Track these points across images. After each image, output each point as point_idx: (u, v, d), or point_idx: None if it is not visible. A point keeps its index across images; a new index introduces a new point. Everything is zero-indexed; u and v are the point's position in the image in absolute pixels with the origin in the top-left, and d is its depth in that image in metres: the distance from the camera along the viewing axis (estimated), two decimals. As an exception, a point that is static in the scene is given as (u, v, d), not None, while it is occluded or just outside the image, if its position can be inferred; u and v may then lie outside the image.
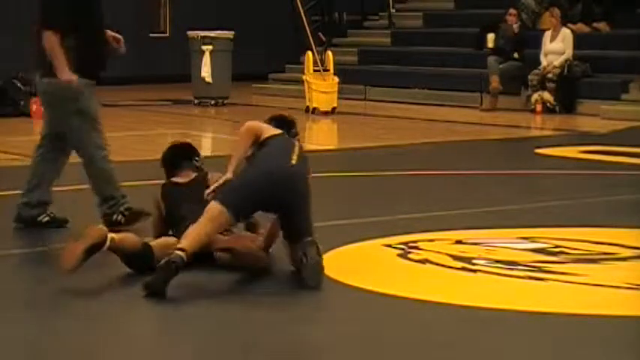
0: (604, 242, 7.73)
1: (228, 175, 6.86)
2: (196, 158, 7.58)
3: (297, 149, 6.87)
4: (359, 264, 7.22)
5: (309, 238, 6.60)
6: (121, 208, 8.23)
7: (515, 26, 17.98)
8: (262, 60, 21.65)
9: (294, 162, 6.78)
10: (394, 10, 22.48)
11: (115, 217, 8.19)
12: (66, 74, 7.93)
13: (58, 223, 8.29)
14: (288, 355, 5.51)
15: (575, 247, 7.62)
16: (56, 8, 8.11)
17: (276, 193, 6.64)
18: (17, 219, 8.30)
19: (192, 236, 6.47)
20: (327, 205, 7.59)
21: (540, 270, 7.01)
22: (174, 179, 7.41)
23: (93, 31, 8.20)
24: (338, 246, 7.46)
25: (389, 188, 9.34)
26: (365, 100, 19.18)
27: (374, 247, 7.52)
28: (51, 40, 7.95)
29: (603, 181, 10.87)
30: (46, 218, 8.31)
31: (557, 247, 7.61)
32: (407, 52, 20.67)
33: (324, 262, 6.67)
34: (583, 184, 10.80)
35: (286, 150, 6.84)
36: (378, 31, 22.40)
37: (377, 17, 22.93)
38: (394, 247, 7.62)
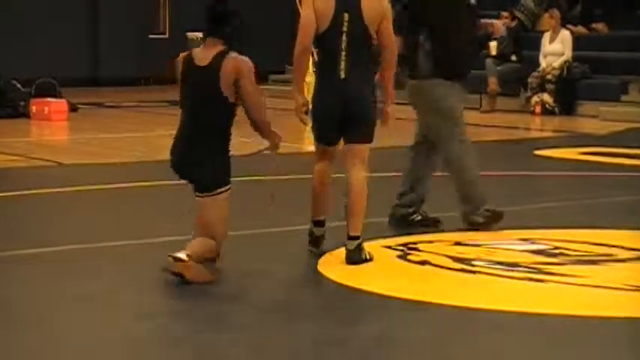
0: (603, 244, 7.74)
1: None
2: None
3: None
4: (359, 265, 7.20)
5: None
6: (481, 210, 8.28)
7: (512, 25, 17.97)
8: (262, 60, 21.55)
9: None
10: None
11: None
12: None
13: (430, 223, 8.43)
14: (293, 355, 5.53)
15: (574, 248, 7.63)
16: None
17: None
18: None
19: None
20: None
21: (540, 271, 7.02)
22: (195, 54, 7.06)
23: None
24: (339, 247, 7.43)
25: (388, 189, 9.28)
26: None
27: (373, 248, 7.49)
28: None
29: (603, 183, 10.90)
30: (418, 217, 8.43)
31: (556, 248, 7.63)
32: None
33: (325, 265, 6.67)
34: (582, 185, 10.82)
35: None
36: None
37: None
38: (394, 249, 7.63)
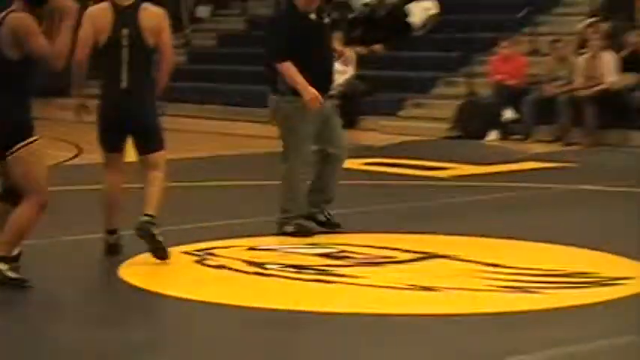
0: (385, 247, 7.89)
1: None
2: None
3: None
4: (158, 270, 7.21)
5: None
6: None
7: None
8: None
9: None
10: (190, 32, 22.41)
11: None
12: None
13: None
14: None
15: (358, 251, 7.76)
16: None
17: None
18: None
19: None
20: (127, 215, 7.52)
21: (327, 273, 7.14)
22: None
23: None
24: (140, 252, 7.43)
25: (184, 198, 9.32)
26: (163, 115, 18.98)
27: (172, 253, 7.50)
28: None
29: (385, 190, 11.10)
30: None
31: (342, 251, 7.75)
32: (202, 70, 20.65)
33: (126, 271, 6.64)
34: (367, 193, 10.99)
35: None
36: (175, 50, 22.18)
37: (173, 36, 22.74)
38: (191, 254, 7.65)
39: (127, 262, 7.35)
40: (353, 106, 17.18)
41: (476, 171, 12.36)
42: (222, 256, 7.61)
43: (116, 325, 6.10)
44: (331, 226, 8.51)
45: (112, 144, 7.56)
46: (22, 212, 6.57)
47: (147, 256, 7.32)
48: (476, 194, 10.73)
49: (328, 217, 8.54)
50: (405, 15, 18.94)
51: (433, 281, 6.91)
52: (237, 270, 7.25)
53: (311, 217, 8.46)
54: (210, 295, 6.60)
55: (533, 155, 13.66)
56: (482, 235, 8.30)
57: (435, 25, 18.77)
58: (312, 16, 8.50)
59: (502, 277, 7.04)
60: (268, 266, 7.32)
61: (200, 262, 7.47)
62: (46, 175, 6.68)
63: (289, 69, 8.21)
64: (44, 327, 6.00)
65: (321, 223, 8.49)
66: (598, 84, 14.88)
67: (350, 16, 19.07)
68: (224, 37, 21.90)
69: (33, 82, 6.72)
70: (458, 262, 7.46)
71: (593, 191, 10.84)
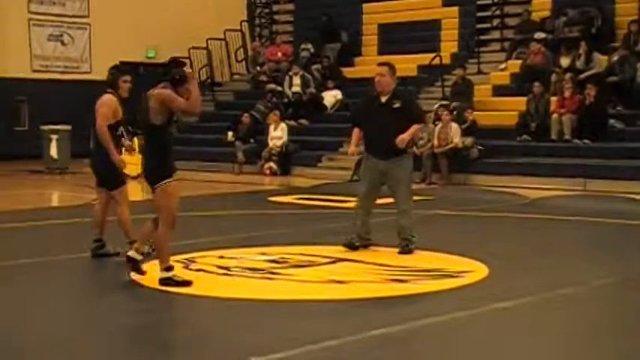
0: (310, 254, 7.86)
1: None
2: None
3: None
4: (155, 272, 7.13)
5: None
6: None
7: (250, 123, 18.22)
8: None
9: None
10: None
11: None
12: None
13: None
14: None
15: (294, 258, 7.71)
16: None
17: None
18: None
19: None
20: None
21: (272, 273, 7.11)
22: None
23: None
24: (145, 262, 7.31)
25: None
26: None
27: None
28: None
29: (310, 216, 10.99)
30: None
31: (282, 258, 7.70)
32: (186, 138, 20.28)
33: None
34: (299, 218, 10.86)
35: None
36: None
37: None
38: (179, 262, 7.51)
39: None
40: (287, 160, 17.30)
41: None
42: (200, 263, 7.52)
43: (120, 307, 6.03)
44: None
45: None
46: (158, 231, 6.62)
47: (149, 264, 7.28)
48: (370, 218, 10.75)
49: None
50: (321, 99, 19.09)
51: (343, 277, 6.93)
52: (210, 272, 7.17)
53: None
54: (192, 289, 6.50)
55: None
56: (376, 245, 8.24)
57: (340, 106, 18.88)
58: (383, 99, 7.98)
59: (389, 272, 7.10)
60: (232, 269, 7.26)
61: (185, 267, 7.36)
62: (174, 206, 6.61)
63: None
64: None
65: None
66: (448, 144, 15.14)
67: (284, 100, 19.18)
68: (201, 115, 21.63)
69: (169, 139, 6.65)
70: (360, 264, 7.45)
71: (445, 215, 10.96)
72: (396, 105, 7.92)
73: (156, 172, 6.60)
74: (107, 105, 7.56)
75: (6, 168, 18.54)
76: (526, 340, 5.23)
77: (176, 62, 6.65)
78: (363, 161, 8.19)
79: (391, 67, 8.04)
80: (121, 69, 7.90)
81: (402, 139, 7.73)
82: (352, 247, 7.99)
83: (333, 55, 20.19)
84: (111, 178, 7.71)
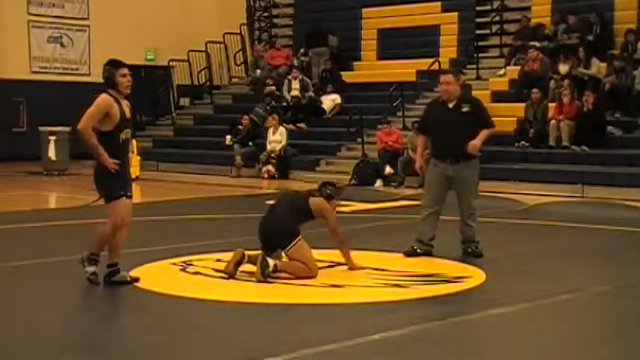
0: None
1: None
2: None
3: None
4: (156, 276, 7.13)
5: None
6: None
7: (249, 127, 18.25)
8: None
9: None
10: (175, 114, 22.29)
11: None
12: None
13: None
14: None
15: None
16: None
17: None
18: None
19: None
20: (136, 239, 7.47)
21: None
22: None
23: None
24: (142, 264, 7.36)
25: (170, 228, 9.23)
26: (157, 171, 18.91)
27: (164, 265, 7.46)
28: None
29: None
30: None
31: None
32: (184, 140, 20.54)
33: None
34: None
35: None
36: (165, 127, 22.11)
37: (164, 118, 22.65)
38: (177, 265, 7.56)
39: (135, 270, 7.22)
40: (286, 164, 17.31)
41: (368, 207, 12.42)
42: (198, 266, 7.52)
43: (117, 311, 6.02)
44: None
45: None
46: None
47: (147, 267, 7.26)
48: (368, 222, 10.77)
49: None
50: (320, 103, 19.11)
51: (342, 281, 6.93)
52: (207, 275, 7.17)
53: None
54: (191, 292, 6.53)
55: (404, 197, 13.74)
56: (373, 250, 8.28)
57: (338, 110, 18.92)
58: (451, 105, 7.91)
59: (387, 277, 7.09)
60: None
61: (183, 270, 7.39)
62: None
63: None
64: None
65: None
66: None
67: (283, 104, 19.19)
68: (198, 118, 21.83)
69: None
70: (358, 269, 7.41)
71: (443, 220, 10.84)
72: (465, 109, 7.88)
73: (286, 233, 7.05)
74: (96, 104, 6.55)
75: (4, 169, 18.51)
76: (523, 346, 5.23)
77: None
78: (429, 167, 8.04)
79: (455, 74, 8.02)
80: (115, 62, 6.65)
81: (474, 144, 7.72)
82: (414, 254, 8.01)
83: (320, 60, 20.11)
84: (101, 190, 6.68)
